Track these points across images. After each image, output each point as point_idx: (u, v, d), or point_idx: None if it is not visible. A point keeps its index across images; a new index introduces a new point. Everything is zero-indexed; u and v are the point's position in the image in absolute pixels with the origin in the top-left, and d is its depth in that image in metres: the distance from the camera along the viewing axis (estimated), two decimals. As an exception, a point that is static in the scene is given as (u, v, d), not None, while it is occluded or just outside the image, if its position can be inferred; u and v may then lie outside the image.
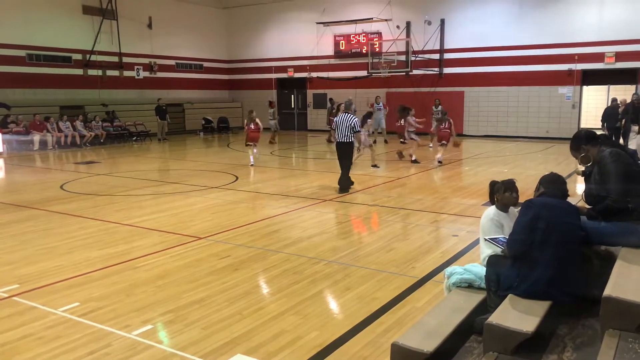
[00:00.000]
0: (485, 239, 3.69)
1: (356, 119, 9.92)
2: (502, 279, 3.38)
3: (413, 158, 13.87)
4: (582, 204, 4.00)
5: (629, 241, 3.57)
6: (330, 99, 19.89)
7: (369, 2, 22.69)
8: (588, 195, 3.88)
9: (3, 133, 16.84)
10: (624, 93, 22.33)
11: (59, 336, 4.04)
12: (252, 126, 13.58)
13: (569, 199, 3.62)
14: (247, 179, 11.59)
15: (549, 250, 3.19)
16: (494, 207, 3.90)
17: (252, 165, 13.46)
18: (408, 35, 21.51)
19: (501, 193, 3.84)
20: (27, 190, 10.73)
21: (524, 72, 20.08)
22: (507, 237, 3.63)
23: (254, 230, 7.23)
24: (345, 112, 9.97)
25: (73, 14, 20.41)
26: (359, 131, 10.03)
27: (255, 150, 13.84)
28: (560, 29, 19.19)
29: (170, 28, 24.04)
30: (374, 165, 13.09)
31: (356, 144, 10.18)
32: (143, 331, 4.12)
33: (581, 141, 3.92)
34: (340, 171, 10.03)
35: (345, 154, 9.92)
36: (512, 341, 2.84)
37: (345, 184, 9.94)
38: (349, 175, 10.06)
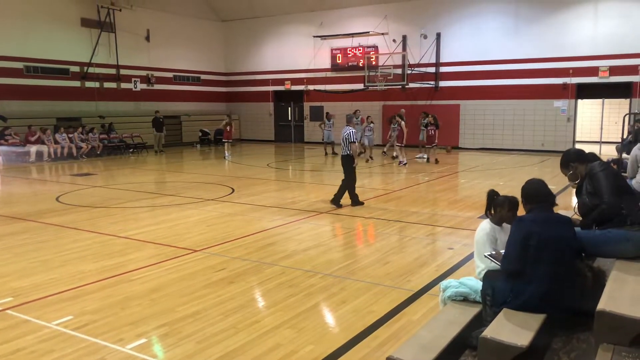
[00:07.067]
0: (485, 256, 3.68)
1: (352, 130, 9.91)
2: (496, 293, 3.38)
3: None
4: (575, 217, 4.01)
5: (624, 247, 3.57)
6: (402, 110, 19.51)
7: (365, 15, 22.89)
8: (582, 206, 3.90)
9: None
10: (618, 107, 22.57)
11: (52, 350, 4.01)
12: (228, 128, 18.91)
13: (562, 212, 3.61)
14: (244, 191, 11.59)
15: (542, 267, 3.19)
16: (488, 220, 3.89)
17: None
18: (404, 48, 21.71)
19: (505, 209, 3.77)
20: (22, 202, 10.71)
21: (519, 86, 20.23)
22: (494, 251, 3.64)
23: (249, 243, 7.21)
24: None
25: (71, 27, 20.51)
26: (354, 142, 9.88)
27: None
28: (555, 43, 19.37)
29: (168, 41, 24.17)
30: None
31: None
32: (137, 345, 4.09)
33: (570, 158, 4.04)
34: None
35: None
36: (506, 355, 2.84)
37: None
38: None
